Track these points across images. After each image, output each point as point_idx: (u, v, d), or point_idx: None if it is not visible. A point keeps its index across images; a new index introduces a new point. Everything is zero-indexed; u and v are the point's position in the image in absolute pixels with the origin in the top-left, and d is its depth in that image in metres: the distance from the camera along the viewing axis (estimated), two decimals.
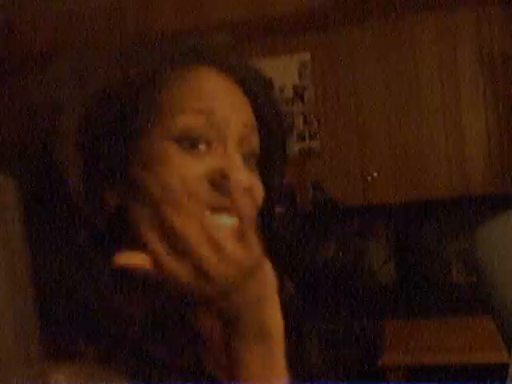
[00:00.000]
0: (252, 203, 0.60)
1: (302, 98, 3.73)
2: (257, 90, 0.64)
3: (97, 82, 0.60)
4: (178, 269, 0.54)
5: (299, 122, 3.72)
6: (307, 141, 3.73)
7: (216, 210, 0.59)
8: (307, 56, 3.69)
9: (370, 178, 3.64)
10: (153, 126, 0.59)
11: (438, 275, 3.23)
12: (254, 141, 0.63)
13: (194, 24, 3.37)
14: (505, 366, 0.87)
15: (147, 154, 0.59)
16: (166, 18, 3.47)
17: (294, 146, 3.71)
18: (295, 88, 3.72)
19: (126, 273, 0.59)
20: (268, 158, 0.67)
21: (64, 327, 0.54)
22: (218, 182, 0.58)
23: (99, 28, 3.51)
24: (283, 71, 3.68)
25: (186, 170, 0.58)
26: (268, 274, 0.58)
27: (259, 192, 0.62)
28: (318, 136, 3.73)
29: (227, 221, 0.59)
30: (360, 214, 3.45)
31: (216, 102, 0.60)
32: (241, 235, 0.57)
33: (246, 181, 0.58)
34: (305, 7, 3.32)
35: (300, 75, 3.72)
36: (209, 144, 0.59)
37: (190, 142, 0.58)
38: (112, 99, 0.59)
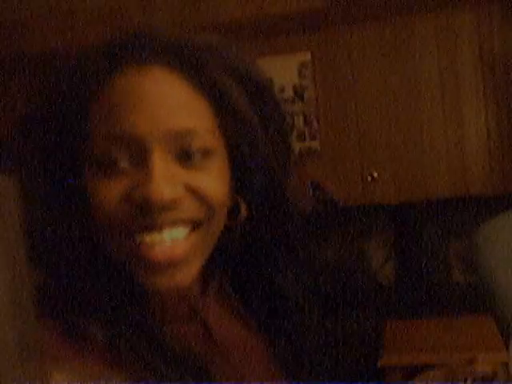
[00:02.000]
0: (193, 208, 0.58)
1: (302, 97, 3.73)
2: (224, 85, 0.59)
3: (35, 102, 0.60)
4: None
5: (299, 122, 3.72)
6: (307, 141, 3.73)
7: (149, 228, 0.57)
8: (307, 56, 3.69)
9: (370, 178, 3.64)
10: (80, 148, 0.58)
11: (438, 275, 3.22)
12: (199, 138, 0.57)
13: (193, 24, 3.37)
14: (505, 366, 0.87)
15: (80, 184, 0.58)
16: (166, 19, 3.47)
17: (294, 146, 3.71)
18: (295, 88, 3.72)
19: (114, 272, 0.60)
20: (253, 154, 0.62)
21: (76, 312, 0.55)
22: (138, 200, 0.56)
23: (99, 28, 3.51)
24: (283, 71, 3.68)
25: (105, 195, 0.56)
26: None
27: (208, 191, 0.58)
28: (318, 136, 3.73)
29: (177, 234, 0.57)
30: (360, 214, 3.44)
31: (133, 118, 0.56)
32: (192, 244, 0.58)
33: (168, 194, 0.55)
34: (305, 7, 3.32)
35: (300, 75, 3.72)
36: (131, 160, 0.56)
37: (110, 163, 0.56)
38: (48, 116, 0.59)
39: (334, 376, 0.73)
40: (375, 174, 3.63)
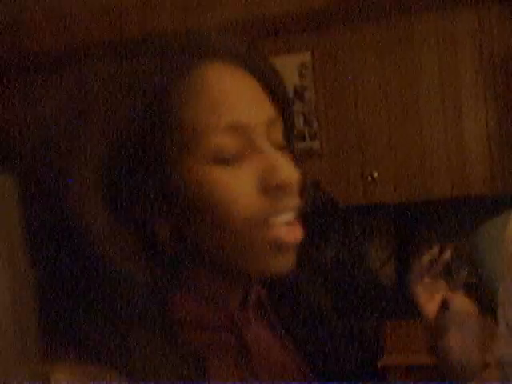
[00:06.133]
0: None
1: (302, 98, 3.72)
2: (270, 76, 0.64)
3: (115, 115, 0.55)
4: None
5: (299, 122, 3.72)
6: (307, 141, 3.73)
7: (282, 211, 0.58)
8: (307, 56, 3.69)
9: (370, 178, 3.64)
10: (181, 150, 0.55)
11: None
12: (280, 128, 0.61)
13: (193, 24, 3.37)
14: None
15: (188, 180, 0.55)
16: (166, 18, 3.47)
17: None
18: (295, 88, 3.72)
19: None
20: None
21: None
22: (271, 186, 0.56)
23: (99, 28, 3.51)
24: (283, 71, 3.66)
25: (237, 186, 0.55)
26: None
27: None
28: (317, 136, 3.73)
29: (287, 216, 0.59)
30: (360, 214, 3.44)
31: (238, 107, 0.56)
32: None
33: (296, 172, 0.57)
34: (305, 7, 3.32)
35: (300, 75, 3.72)
36: (240, 151, 0.57)
37: (225, 154, 0.56)
38: (133, 129, 0.55)
39: (334, 376, 0.73)
40: (375, 174, 3.63)
